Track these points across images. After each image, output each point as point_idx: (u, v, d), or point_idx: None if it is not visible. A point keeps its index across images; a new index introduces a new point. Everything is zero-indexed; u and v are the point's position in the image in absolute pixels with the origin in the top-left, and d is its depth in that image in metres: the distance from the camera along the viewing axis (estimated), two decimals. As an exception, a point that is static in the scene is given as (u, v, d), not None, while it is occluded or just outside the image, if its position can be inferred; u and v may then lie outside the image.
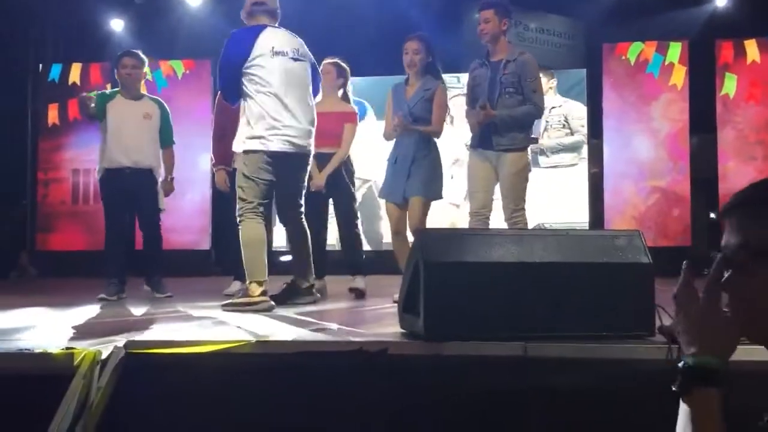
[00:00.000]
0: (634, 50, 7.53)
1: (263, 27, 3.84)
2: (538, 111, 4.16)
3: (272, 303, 3.64)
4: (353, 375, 2.25)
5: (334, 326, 2.95)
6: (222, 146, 4.68)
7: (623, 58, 7.57)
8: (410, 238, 3.89)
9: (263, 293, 3.63)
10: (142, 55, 4.87)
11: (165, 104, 4.96)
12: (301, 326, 2.97)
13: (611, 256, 2.43)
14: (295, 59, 3.87)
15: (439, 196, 4.30)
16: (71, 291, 5.16)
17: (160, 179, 4.80)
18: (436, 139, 4.34)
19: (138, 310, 3.88)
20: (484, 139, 4.10)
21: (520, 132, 4.08)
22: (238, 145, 3.84)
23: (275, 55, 3.79)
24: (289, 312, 3.53)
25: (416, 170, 4.19)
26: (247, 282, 3.72)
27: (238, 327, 2.92)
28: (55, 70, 7.90)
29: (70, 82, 7.83)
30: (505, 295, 2.36)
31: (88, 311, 3.81)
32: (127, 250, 4.80)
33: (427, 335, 2.34)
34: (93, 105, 4.59)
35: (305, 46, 3.99)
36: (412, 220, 4.19)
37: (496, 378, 2.24)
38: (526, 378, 2.23)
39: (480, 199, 4.11)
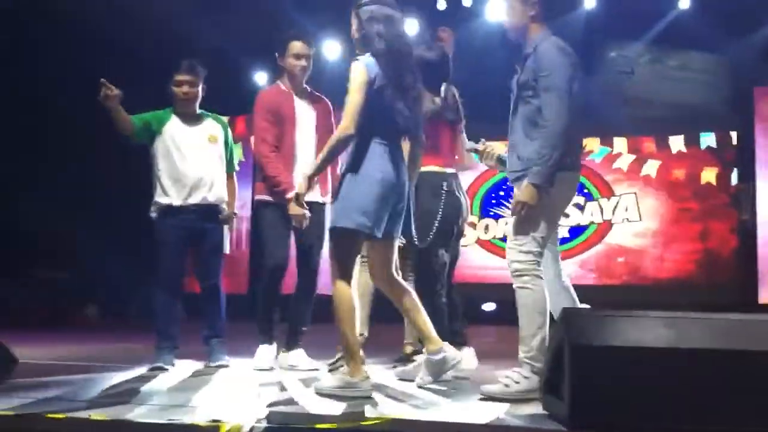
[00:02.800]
0: (789, 94, 7.04)
1: None
2: (545, 124, 2.90)
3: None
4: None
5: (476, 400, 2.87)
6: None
7: (777, 101, 7.09)
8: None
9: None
10: (200, 68, 4.03)
11: (226, 123, 4.18)
12: (432, 399, 2.91)
13: (778, 344, 2.22)
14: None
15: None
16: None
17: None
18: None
19: (270, 375, 3.63)
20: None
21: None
22: None
23: None
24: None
25: None
26: None
27: (370, 401, 2.83)
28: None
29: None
30: (658, 383, 2.21)
31: (230, 376, 3.62)
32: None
33: (572, 422, 2.23)
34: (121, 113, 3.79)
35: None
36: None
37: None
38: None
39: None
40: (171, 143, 3.92)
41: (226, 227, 4.09)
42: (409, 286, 3.30)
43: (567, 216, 7.91)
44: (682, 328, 2.28)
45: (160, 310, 3.86)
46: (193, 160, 3.91)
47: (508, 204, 8.02)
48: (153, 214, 3.94)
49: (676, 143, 7.70)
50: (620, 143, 7.89)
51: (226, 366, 3.81)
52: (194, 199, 3.89)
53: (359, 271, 3.49)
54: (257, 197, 3.97)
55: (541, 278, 2.95)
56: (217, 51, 7.91)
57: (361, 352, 3.11)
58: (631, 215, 7.79)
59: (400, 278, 3.27)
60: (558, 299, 3.06)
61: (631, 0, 7.55)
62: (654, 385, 2.21)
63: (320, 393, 2.94)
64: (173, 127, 3.95)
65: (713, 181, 7.55)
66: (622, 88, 8.74)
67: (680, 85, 8.65)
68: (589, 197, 7.93)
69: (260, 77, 8.70)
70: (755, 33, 7.57)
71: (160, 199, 3.90)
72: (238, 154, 8.56)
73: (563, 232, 7.92)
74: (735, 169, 7.48)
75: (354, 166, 3.02)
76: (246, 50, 7.95)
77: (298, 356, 3.88)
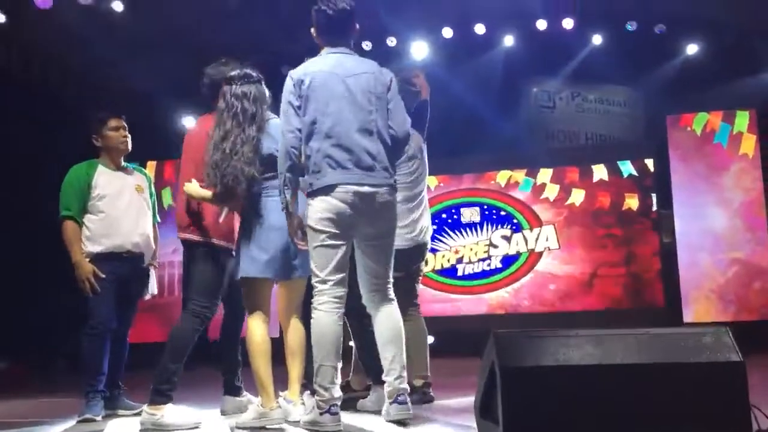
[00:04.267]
0: (699, 121, 7.42)
1: None
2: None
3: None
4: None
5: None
6: None
7: (689, 129, 7.45)
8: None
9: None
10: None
11: (149, 175, 4.31)
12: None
13: (698, 355, 2.32)
14: None
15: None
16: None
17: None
18: None
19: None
20: None
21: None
22: None
23: None
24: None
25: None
26: None
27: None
28: (131, 168, 8.27)
29: (145, 179, 8.18)
30: (588, 400, 2.27)
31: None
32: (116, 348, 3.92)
33: (508, 444, 2.25)
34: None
35: None
36: None
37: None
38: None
39: None
40: (102, 192, 3.91)
41: (152, 271, 4.16)
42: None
43: (496, 247, 8.08)
44: (608, 345, 2.35)
45: (89, 359, 3.78)
46: (125, 208, 3.94)
47: (441, 237, 8.14)
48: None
49: (599, 172, 7.98)
50: (545, 174, 8.13)
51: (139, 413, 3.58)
52: (126, 247, 3.93)
53: (410, 319, 3.67)
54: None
55: (319, 309, 3.03)
56: (141, 94, 7.84)
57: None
58: (551, 244, 8.01)
59: (298, 318, 3.37)
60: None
61: (547, 38, 7.86)
62: (586, 401, 2.26)
63: (240, 427, 3.13)
64: (102, 177, 3.94)
65: (634, 207, 7.85)
66: (544, 123, 9.08)
67: (600, 117, 9.06)
68: (517, 229, 8.11)
69: (188, 121, 8.62)
70: (664, 64, 8.01)
71: (92, 247, 3.87)
72: (167, 198, 8.46)
73: (495, 262, 8.07)
74: (654, 195, 7.80)
75: (244, 218, 3.28)
76: (171, 92, 7.89)
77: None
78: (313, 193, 3.03)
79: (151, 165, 8.25)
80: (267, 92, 3.38)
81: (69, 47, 7.19)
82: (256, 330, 3.19)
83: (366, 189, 3.02)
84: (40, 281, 7.24)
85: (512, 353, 2.32)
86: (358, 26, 3.22)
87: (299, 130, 3.03)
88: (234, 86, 3.28)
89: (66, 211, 3.89)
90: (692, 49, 7.96)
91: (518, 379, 2.27)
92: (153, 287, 4.15)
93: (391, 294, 3.19)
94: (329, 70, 3.09)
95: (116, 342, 3.92)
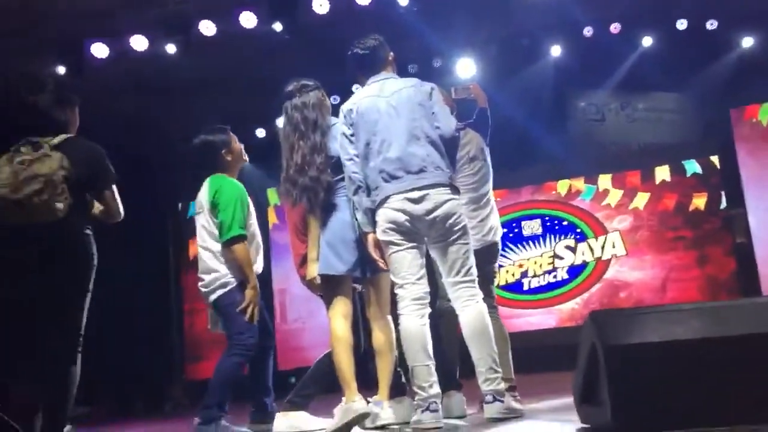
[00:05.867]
0: (765, 111, 7.19)
1: None
2: None
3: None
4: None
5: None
6: None
7: (754, 120, 7.24)
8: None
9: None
10: None
11: None
12: None
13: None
14: None
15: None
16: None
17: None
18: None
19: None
20: None
21: None
22: None
23: None
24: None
25: None
26: None
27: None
28: (193, 208, 8.41)
29: (206, 217, 8.30)
30: (701, 377, 2.14)
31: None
32: None
33: (617, 426, 2.15)
34: None
35: None
36: None
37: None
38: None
39: None
40: (251, 211, 3.69)
41: None
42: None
43: (561, 258, 7.91)
44: (716, 317, 2.23)
45: (232, 382, 3.59)
46: (258, 230, 3.75)
47: (504, 252, 8.01)
48: (234, 283, 3.59)
49: (661, 174, 7.79)
50: (605, 180, 7.97)
51: None
52: (261, 272, 3.72)
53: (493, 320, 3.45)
54: None
55: (402, 314, 3.10)
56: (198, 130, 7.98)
57: None
58: (618, 251, 7.80)
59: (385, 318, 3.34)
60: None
61: (594, 46, 7.74)
62: (698, 378, 2.14)
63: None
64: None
65: (702, 207, 7.60)
66: (595, 136, 8.91)
67: (653, 126, 8.83)
68: (581, 238, 7.94)
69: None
70: (720, 60, 7.80)
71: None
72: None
73: (562, 273, 7.89)
74: (723, 193, 7.55)
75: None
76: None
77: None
78: (375, 209, 3.16)
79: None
80: (327, 99, 3.46)
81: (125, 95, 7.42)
82: (336, 324, 3.23)
83: (416, 193, 3.11)
84: (115, 328, 7.32)
85: (614, 332, 2.22)
86: (392, 54, 3.40)
87: (356, 156, 3.22)
88: (294, 99, 3.39)
89: (242, 230, 3.55)
90: (747, 42, 7.75)
91: (623, 356, 2.17)
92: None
93: (474, 292, 3.16)
94: (373, 95, 3.29)
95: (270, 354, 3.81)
